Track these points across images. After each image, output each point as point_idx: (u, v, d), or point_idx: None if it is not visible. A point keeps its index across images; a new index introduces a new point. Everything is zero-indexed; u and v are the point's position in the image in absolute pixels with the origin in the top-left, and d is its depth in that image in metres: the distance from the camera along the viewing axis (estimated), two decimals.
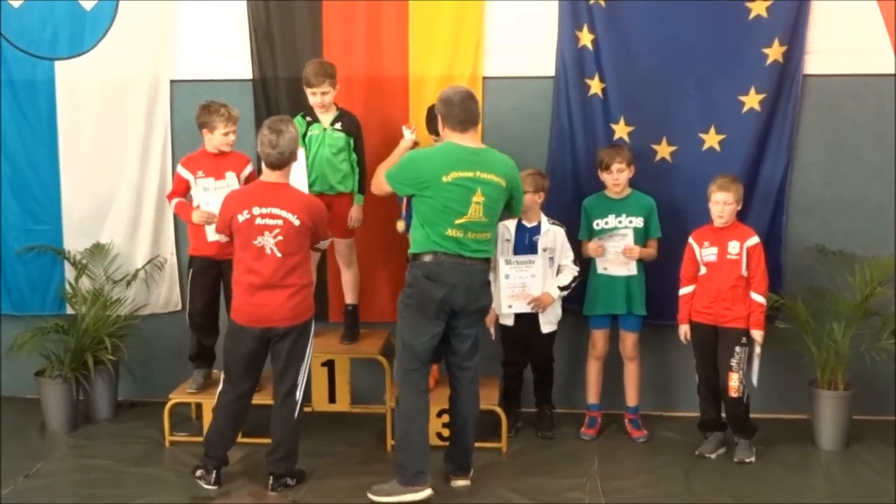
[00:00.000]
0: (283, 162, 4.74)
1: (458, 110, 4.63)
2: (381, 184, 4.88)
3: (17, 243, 6.10)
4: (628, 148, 5.54)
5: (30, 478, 5.09)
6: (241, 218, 4.69)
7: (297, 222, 4.71)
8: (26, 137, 6.04)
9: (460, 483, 4.96)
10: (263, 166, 4.79)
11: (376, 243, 5.86)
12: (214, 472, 4.91)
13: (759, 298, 5.14)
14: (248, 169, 5.49)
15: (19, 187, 6.08)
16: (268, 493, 4.86)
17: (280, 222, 4.69)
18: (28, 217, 6.10)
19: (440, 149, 4.70)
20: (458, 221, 4.58)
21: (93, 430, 5.79)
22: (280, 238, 4.68)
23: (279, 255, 4.69)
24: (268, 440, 5.10)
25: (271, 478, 4.88)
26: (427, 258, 4.63)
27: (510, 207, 4.86)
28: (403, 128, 5.37)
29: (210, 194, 5.30)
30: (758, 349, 5.17)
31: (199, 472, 4.93)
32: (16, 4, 5.93)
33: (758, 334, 5.15)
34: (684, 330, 5.31)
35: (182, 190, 5.45)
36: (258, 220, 4.68)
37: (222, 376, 4.92)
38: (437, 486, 4.87)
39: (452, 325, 4.75)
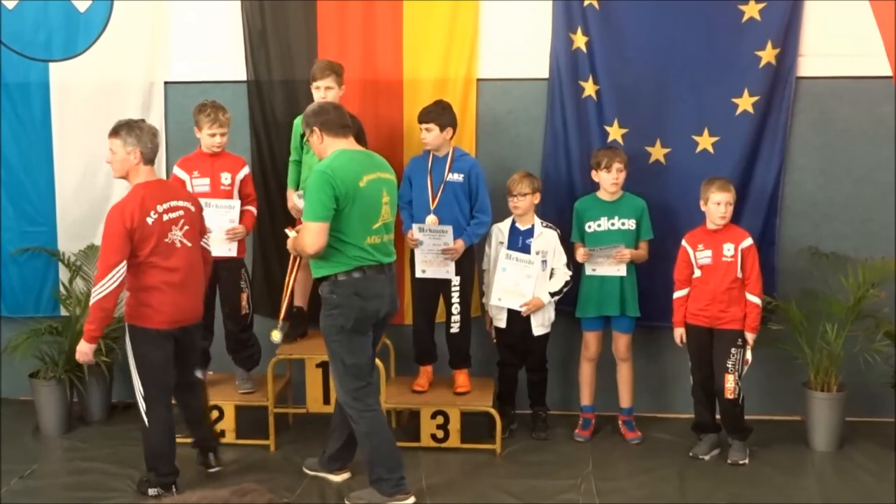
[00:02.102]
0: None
1: (335, 116, 4.55)
2: (311, 235, 4.38)
3: (12, 245, 6.09)
4: (623, 150, 5.56)
5: (24, 479, 5.08)
6: (150, 220, 4.54)
7: (192, 208, 4.75)
8: (20, 139, 6.03)
9: (344, 476, 4.97)
10: (143, 164, 4.64)
11: None
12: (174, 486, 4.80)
13: (754, 300, 5.16)
14: (245, 171, 5.49)
15: (13, 189, 6.07)
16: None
17: (182, 213, 4.68)
18: (22, 219, 6.10)
19: (340, 157, 4.46)
20: (374, 227, 4.51)
21: (87, 431, 5.79)
22: (186, 227, 4.67)
23: (189, 244, 4.68)
24: (260, 441, 5.11)
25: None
26: (355, 275, 4.48)
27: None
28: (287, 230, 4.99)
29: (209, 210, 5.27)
30: (748, 354, 5.18)
31: (155, 492, 4.78)
32: (10, 6, 5.92)
33: (751, 337, 5.17)
34: (679, 333, 5.32)
35: None
36: (165, 217, 4.62)
37: (142, 395, 4.64)
38: (433, 489, 4.88)
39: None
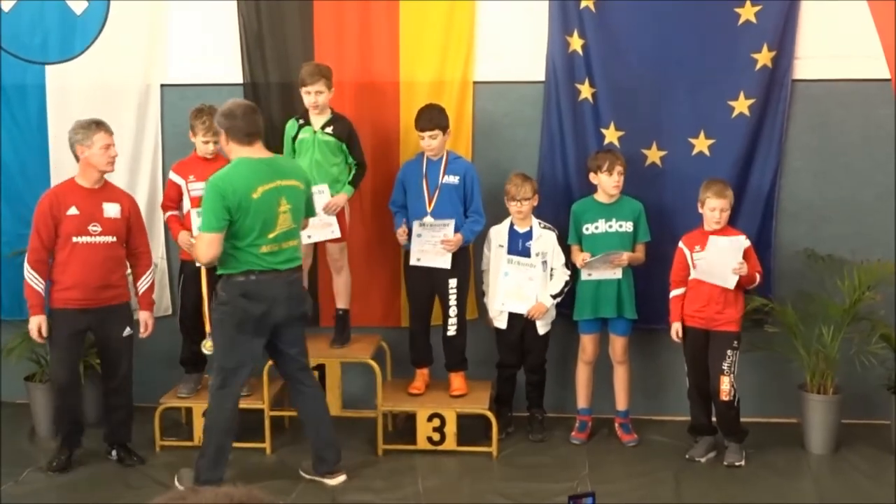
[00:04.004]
0: None
1: (243, 123, 4.54)
2: (204, 245, 4.53)
3: (8, 248, 6.07)
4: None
5: (19, 483, 5.07)
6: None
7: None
8: (16, 142, 6.03)
9: (340, 479, 4.97)
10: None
11: (368, 248, 5.86)
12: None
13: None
14: None
15: (10, 192, 6.06)
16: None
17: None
18: (19, 222, 6.07)
19: (237, 168, 4.56)
20: (270, 236, 4.55)
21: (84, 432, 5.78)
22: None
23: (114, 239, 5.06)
24: (256, 444, 5.11)
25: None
26: (244, 278, 4.57)
27: (307, 209, 4.82)
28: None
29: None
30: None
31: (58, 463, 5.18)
32: (6, 8, 5.92)
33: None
34: (676, 328, 5.31)
35: (175, 195, 5.47)
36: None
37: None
38: (429, 492, 4.87)
39: (279, 336, 4.75)
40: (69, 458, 5.23)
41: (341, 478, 4.99)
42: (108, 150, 5.04)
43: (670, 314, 5.34)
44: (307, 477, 5.00)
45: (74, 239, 5.00)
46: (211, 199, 4.48)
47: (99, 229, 5.05)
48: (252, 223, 4.51)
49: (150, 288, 5.32)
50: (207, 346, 4.97)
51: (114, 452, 5.34)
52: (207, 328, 5.06)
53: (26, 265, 5.01)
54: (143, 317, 5.29)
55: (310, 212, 4.88)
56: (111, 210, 5.11)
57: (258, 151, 4.62)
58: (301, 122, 5.44)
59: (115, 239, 5.11)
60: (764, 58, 5.51)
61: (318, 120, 5.42)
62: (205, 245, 4.53)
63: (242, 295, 4.57)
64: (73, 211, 5.00)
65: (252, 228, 4.52)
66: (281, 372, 5.01)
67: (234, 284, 4.59)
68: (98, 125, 5.06)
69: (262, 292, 4.58)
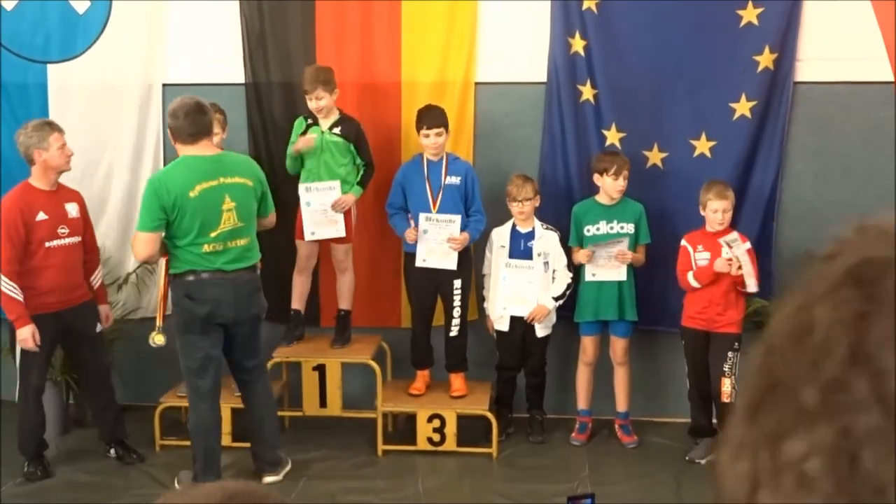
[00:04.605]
0: None
1: (186, 123, 4.54)
2: (138, 244, 4.60)
3: None
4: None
5: (18, 484, 5.07)
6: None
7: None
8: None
9: (270, 479, 4.98)
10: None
11: (369, 248, 5.86)
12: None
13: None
14: None
15: None
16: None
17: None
18: None
19: (177, 166, 4.59)
20: (213, 234, 4.54)
21: (83, 434, 5.76)
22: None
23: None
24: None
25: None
26: (187, 277, 4.58)
27: (261, 206, 4.79)
28: None
29: None
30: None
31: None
32: (8, 7, 5.92)
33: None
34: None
35: None
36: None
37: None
38: (429, 492, 4.87)
39: (229, 334, 4.74)
40: (45, 464, 5.21)
41: (269, 478, 4.99)
42: (64, 150, 5.05)
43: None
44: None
45: (47, 244, 4.99)
46: (146, 199, 4.54)
47: (67, 231, 5.07)
48: (190, 222, 4.50)
49: (102, 282, 5.41)
50: (156, 339, 4.92)
51: (112, 451, 5.35)
52: (158, 321, 5.00)
53: (1, 277, 4.88)
54: (104, 310, 5.34)
55: (265, 209, 4.82)
56: (72, 210, 5.15)
57: (204, 149, 4.59)
58: (309, 121, 5.44)
59: (79, 239, 5.15)
60: (766, 60, 5.51)
61: (325, 121, 5.42)
62: (140, 244, 4.57)
63: (186, 295, 4.59)
64: (41, 216, 4.98)
65: (191, 227, 4.51)
66: (229, 368, 4.97)
67: (178, 284, 4.62)
68: (51, 126, 5.07)
69: (205, 293, 4.57)
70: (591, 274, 5.46)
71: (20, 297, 4.90)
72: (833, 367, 0.41)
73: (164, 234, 4.57)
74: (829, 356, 0.41)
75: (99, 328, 5.28)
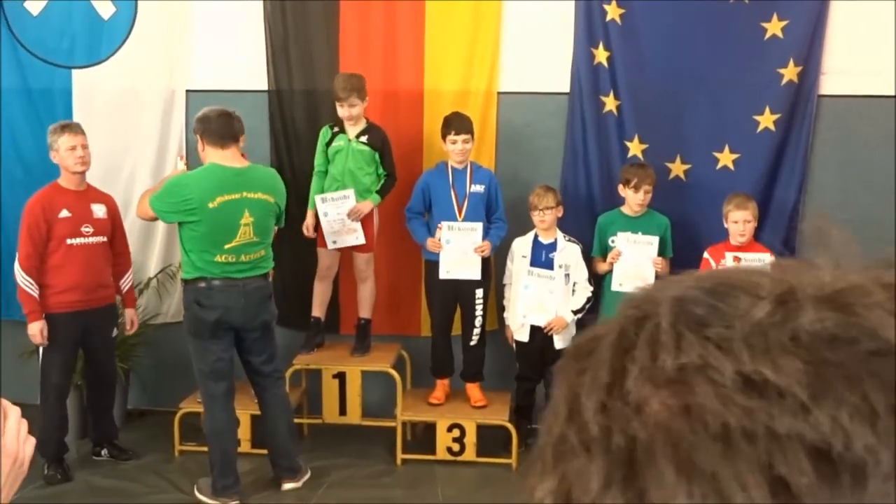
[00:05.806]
0: None
1: (216, 125, 4.59)
2: (145, 209, 4.75)
3: None
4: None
5: (38, 487, 5.07)
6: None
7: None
8: (42, 145, 6.02)
9: (289, 486, 5.00)
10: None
11: (389, 256, 5.86)
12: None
13: None
14: None
15: None
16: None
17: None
18: None
19: (203, 173, 4.63)
20: (227, 246, 4.56)
21: None
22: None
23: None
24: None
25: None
26: (198, 284, 4.61)
27: (278, 221, 4.85)
28: (177, 157, 5.55)
29: None
30: None
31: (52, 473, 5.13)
32: (34, 13, 5.95)
33: None
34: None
35: None
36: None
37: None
38: (448, 501, 4.85)
39: (240, 338, 4.77)
40: (65, 467, 5.23)
41: (288, 485, 5.01)
42: (73, 152, 5.05)
43: None
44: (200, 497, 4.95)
45: (69, 241, 5.02)
46: (167, 192, 4.63)
47: (91, 230, 5.09)
48: (206, 231, 4.53)
49: (132, 286, 5.44)
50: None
51: (104, 451, 5.41)
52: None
53: (19, 271, 4.95)
54: (130, 314, 5.37)
55: (278, 223, 4.89)
56: (99, 211, 5.17)
57: (232, 158, 4.62)
58: (335, 129, 5.44)
59: (105, 239, 5.18)
60: (790, 73, 5.49)
61: (353, 129, 5.42)
62: (145, 206, 4.70)
63: (195, 301, 4.63)
64: (64, 213, 5.02)
65: (206, 237, 4.54)
66: (246, 372, 4.98)
67: (189, 290, 4.66)
68: (63, 128, 5.11)
69: (214, 299, 4.60)
70: (619, 284, 5.42)
71: (35, 293, 4.95)
72: (559, 425, 0.50)
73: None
74: (556, 417, 0.51)
75: (115, 333, 5.28)
